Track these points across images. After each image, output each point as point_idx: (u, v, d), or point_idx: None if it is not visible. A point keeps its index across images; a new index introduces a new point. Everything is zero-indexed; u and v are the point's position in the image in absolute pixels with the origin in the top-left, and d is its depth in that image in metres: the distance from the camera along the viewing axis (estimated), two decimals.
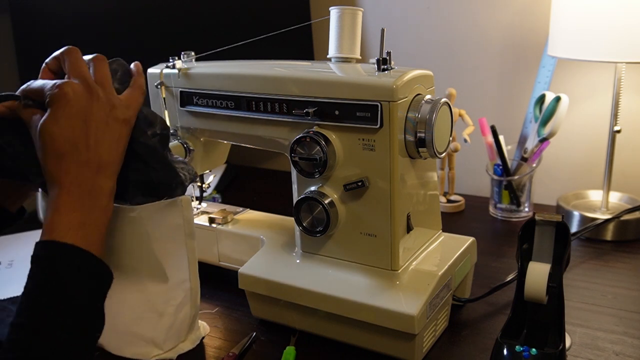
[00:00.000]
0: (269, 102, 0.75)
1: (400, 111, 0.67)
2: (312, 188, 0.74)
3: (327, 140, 0.70)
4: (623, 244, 1.00)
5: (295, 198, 0.76)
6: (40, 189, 0.69)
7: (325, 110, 0.71)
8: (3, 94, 0.61)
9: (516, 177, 1.11)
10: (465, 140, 1.12)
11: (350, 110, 0.69)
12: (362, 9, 0.76)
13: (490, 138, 1.11)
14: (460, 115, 1.14)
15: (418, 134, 0.68)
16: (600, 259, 0.95)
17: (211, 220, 0.90)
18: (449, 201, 1.18)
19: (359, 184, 0.70)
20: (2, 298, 0.87)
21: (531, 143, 1.10)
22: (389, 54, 0.71)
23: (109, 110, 0.60)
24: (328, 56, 0.77)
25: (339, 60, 0.76)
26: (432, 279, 0.70)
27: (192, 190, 0.95)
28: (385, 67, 0.70)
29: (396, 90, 0.66)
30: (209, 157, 0.92)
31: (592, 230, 1.00)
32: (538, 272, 0.69)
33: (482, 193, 1.24)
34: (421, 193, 0.76)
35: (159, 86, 0.85)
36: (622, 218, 1.00)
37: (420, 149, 0.69)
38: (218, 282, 0.89)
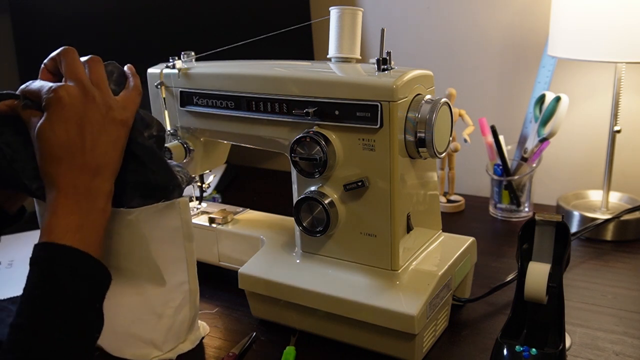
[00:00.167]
0: (269, 102, 0.75)
1: (400, 111, 0.67)
2: (312, 188, 0.74)
3: (327, 140, 0.70)
4: (623, 244, 1.00)
5: (295, 198, 0.76)
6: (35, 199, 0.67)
7: (325, 110, 0.70)
8: (4, 92, 0.61)
9: (516, 177, 1.11)
10: (465, 140, 1.12)
11: (350, 110, 0.69)
12: (362, 9, 0.76)
13: (490, 138, 1.11)
14: (460, 115, 1.14)
15: (418, 134, 0.68)
16: (600, 259, 0.95)
17: (211, 220, 0.90)
18: (449, 201, 1.18)
19: (359, 184, 0.70)
20: (2, 298, 0.87)
21: (531, 143, 1.10)
22: (389, 54, 0.71)
23: (105, 111, 0.60)
24: (328, 56, 0.77)
25: (339, 60, 0.76)
26: (432, 279, 0.70)
27: (192, 190, 0.95)
28: (385, 67, 0.70)
29: (396, 90, 0.66)
30: (209, 157, 0.92)
31: (592, 230, 1.00)
32: (538, 272, 0.69)
33: (482, 193, 1.24)
34: (421, 193, 0.76)
35: (159, 86, 0.85)
36: (622, 218, 1.00)
37: (420, 149, 0.69)
38: (218, 282, 0.89)
